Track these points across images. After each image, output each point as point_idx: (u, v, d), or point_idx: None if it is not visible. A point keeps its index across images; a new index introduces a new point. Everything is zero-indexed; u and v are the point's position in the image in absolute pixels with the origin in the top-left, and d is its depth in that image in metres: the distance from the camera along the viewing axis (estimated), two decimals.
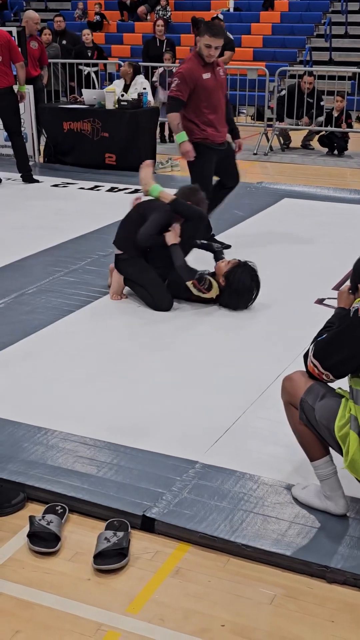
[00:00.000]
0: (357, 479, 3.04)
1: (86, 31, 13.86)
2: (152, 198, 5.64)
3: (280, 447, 3.61)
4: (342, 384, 3.13)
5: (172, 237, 5.39)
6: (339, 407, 3.00)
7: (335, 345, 2.96)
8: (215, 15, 14.24)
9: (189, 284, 5.32)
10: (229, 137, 6.78)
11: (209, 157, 6.58)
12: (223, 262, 5.46)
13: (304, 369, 3.14)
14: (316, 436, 3.08)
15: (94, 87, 12.89)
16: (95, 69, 13.14)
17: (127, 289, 5.62)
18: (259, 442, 3.70)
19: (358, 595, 2.80)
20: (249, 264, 5.41)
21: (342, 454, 3.01)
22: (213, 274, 5.44)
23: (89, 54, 13.55)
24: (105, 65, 13.99)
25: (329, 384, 3.11)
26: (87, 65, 13.17)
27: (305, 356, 3.09)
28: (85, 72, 13.02)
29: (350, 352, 2.91)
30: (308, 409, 3.06)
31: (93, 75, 13.05)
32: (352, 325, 2.91)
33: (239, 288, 5.33)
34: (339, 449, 3.02)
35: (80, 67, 13.09)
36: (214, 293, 5.37)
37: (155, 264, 5.46)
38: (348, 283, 3.22)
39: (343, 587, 2.83)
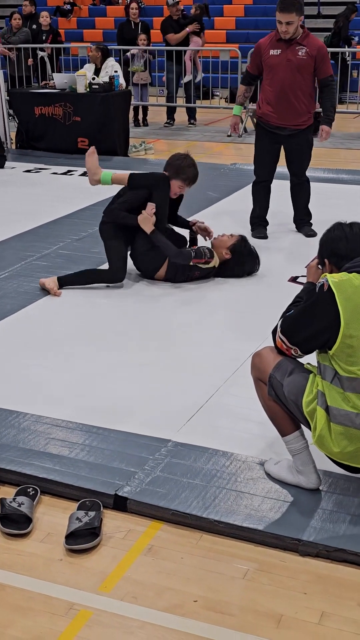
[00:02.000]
0: (326, 454, 3.03)
1: (44, 13, 13.71)
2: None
3: (252, 424, 3.61)
4: (311, 360, 3.12)
5: (145, 221, 5.29)
6: (306, 383, 3.00)
7: (302, 321, 2.95)
8: None
9: (191, 264, 5.37)
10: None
11: (261, 136, 6.51)
12: (224, 235, 5.53)
13: (272, 347, 3.13)
14: (286, 411, 3.08)
15: (48, 72, 12.77)
16: (43, 53, 12.99)
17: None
18: (232, 420, 3.70)
19: (330, 567, 2.80)
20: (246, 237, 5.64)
21: (311, 430, 3.01)
22: (208, 249, 5.47)
23: (44, 37, 13.43)
24: (60, 49, 13.87)
25: (298, 359, 3.11)
26: (42, 49, 13.05)
27: (274, 332, 3.08)
28: (39, 56, 12.91)
29: (317, 327, 2.90)
30: (277, 385, 3.05)
31: (47, 59, 12.91)
32: (317, 300, 2.90)
33: (248, 254, 5.52)
34: (308, 424, 3.02)
35: (37, 51, 12.97)
36: (215, 262, 5.42)
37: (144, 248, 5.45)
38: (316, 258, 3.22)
39: (316, 560, 2.84)
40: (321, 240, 3.11)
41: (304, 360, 3.14)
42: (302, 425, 3.12)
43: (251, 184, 6.89)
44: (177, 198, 5.62)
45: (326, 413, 2.93)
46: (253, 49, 6.41)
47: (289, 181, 6.73)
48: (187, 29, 12.39)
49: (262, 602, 2.65)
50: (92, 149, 5.73)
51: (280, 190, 6.77)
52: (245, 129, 12.04)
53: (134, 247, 5.51)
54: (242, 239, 5.58)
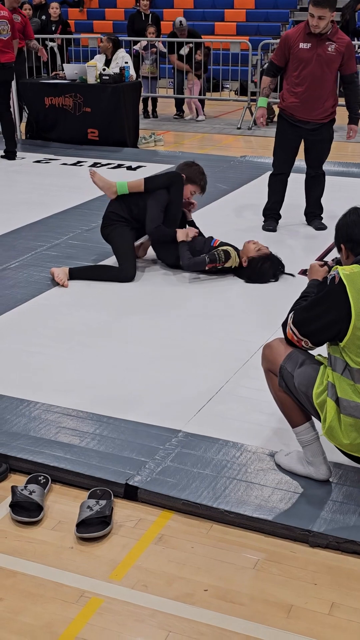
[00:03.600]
0: (335, 446, 3.04)
1: (54, 4, 13.69)
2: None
3: (263, 415, 3.61)
4: (321, 351, 3.13)
5: (182, 234, 5.42)
6: (317, 375, 3.00)
7: (313, 313, 2.95)
8: None
9: (207, 268, 5.37)
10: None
11: (283, 129, 6.46)
12: (254, 244, 5.45)
13: (281, 339, 3.14)
14: (296, 403, 3.09)
15: (58, 62, 12.75)
16: (53, 44, 12.97)
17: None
18: (242, 411, 3.70)
19: (340, 558, 2.81)
20: (277, 258, 5.43)
21: (321, 421, 3.01)
22: (234, 247, 5.46)
23: (53, 28, 13.41)
24: (71, 40, 13.85)
25: (309, 351, 3.11)
26: (52, 40, 13.03)
27: (284, 324, 3.09)
28: (49, 47, 12.89)
29: (328, 319, 2.90)
30: (287, 376, 3.06)
31: (57, 50, 12.89)
32: (329, 293, 2.90)
33: (257, 278, 5.36)
34: (318, 415, 3.02)
35: (46, 42, 12.96)
36: (232, 262, 5.39)
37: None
38: (330, 256, 3.21)
39: (325, 551, 2.84)
40: (337, 225, 3.09)
41: (315, 352, 3.15)
42: (313, 417, 3.13)
43: (261, 176, 6.89)
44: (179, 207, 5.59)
45: (336, 405, 2.93)
46: (282, 41, 6.28)
47: (304, 174, 6.70)
48: (189, 69, 12.34)
49: (272, 592, 2.66)
50: (92, 171, 5.75)
51: (294, 183, 6.75)
52: (255, 122, 11.99)
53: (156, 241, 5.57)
54: (264, 259, 5.38)
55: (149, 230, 5.46)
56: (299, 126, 6.35)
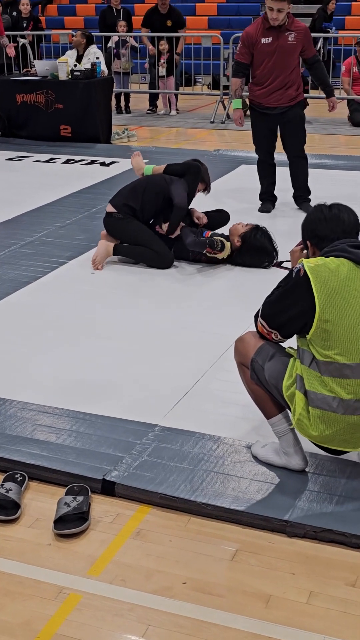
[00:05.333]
0: (307, 438, 3.05)
1: (24, 1, 13.60)
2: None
3: (239, 408, 3.62)
4: (293, 343, 3.14)
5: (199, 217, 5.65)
6: (286, 368, 3.03)
7: (279, 306, 2.98)
8: None
9: (205, 252, 5.44)
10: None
11: (255, 118, 6.68)
12: (239, 224, 5.60)
13: (255, 332, 3.16)
14: (269, 395, 3.11)
15: (29, 59, 12.67)
16: (24, 40, 12.88)
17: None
18: (219, 403, 3.71)
19: (317, 547, 2.82)
20: (264, 228, 5.58)
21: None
22: (225, 237, 5.56)
23: (24, 25, 13.32)
24: (42, 36, 13.75)
25: (281, 343, 3.13)
26: (23, 36, 12.95)
27: (256, 316, 3.10)
28: (20, 44, 12.80)
29: (293, 312, 2.93)
30: (258, 369, 3.09)
31: (28, 46, 12.80)
32: (294, 285, 2.93)
33: (256, 246, 5.48)
34: (289, 407, 3.04)
35: (17, 38, 12.86)
36: (225, 253, 5.48)
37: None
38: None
39: (303, 540, 2.86)
40: (302, 224, 3.13)
41: (286, 344, 3.17)
42: (286, 408, 3.14)
43: (236, 169, 6.97)
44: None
45: (305, 397, 2.96)
46: (241, 39, 6.51)
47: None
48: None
49: (250, 583, 2.67)
50: (138, 152, 6.11)
51: (251, 174, 6.88)
52: (228, 115, 12.00)
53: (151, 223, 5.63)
54: (254, 229, 5.53)
55: (177, 202, 5.50)
56: (267, 113, 6.59)
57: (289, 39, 6.34)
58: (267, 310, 3.03)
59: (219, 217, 5.89)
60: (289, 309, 2.94)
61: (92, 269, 5.46)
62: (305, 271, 2.88)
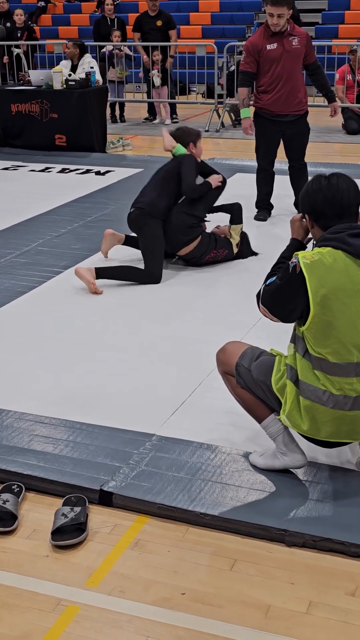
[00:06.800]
0: (297, 430, 3.06)
1: (19, 11, 13.66)
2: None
3: (236, 417, 3.60)
4: (276, 347, 3.21)
5: (215, 180, 5.69)
6: (274, 364, 3.08)
7: (278, 298, 2.98)
8: None
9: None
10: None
11: (263, 126, 6.68)
12: (218, 227, 5.86)
13: (235, 341, 3.28)
14: (257, 398, 3.14)
15: (24, 68, 12.69)
16: (18, 50, 12.91)
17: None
18: (215, 413, 3.70)
19: (317, 557, 2.81)
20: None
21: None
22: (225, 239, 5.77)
23: (19, 35, 13.35)
24: (36, 46, 13.79)
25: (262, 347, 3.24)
26: (17, 47, 12.97)
27: (257, 298, 3.10)
28: (15, 53, 12.83)
29: (291, 306, 2.94)
30: (244, 372, 3.12)
31: (22, 56, 12.83)
32: (291, 280, 2.92)
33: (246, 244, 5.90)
34: (279, 404, 3.06)
35: (12, 48, 12.90)
36: (235, 240, 5.80)
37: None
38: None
39: (302, 550, 2.84)
40: (301, 195, 3.07)
41: (266, 344, 3.27)
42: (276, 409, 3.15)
43: (230, 178, 6.96)
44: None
45: (295, 387, 2.98)
46: (245, 49, 6.56)
47: (254, 174, 7.00)
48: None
49: (249, 593, 2.65)
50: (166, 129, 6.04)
51: (246, 182, 6.89)
52: (222, 124, 12.04)
53: (170, 220, 5.57)
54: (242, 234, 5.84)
55: (185, 191, 5.53)
56: (278, 120, 6.62)
57: (293, 43, 6.42)
58: (266, 301, 3.03)
59: (230, 208, 5.88)
60: (286, 304, 2.95)
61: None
62: (301, 269, 2.87)
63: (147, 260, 5.47)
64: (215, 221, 6.01)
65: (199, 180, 5.67)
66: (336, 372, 2.91)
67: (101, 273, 5.34)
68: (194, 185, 5.55)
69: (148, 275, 5.41)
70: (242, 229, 5.83)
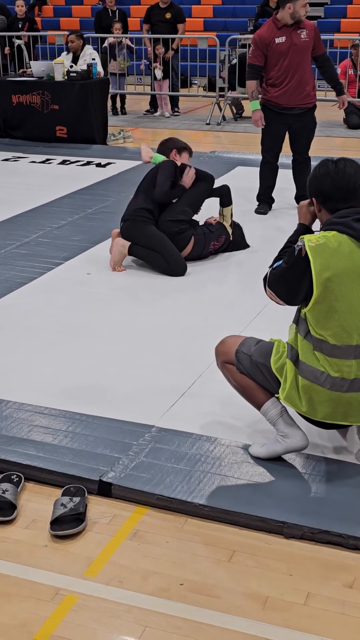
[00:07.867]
0: (295, 410, 3.09)
1: (19, 2, 13.60)
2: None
3: (236, 409, 3.60)
4: (274, 335, 3.24)
5: (188, 178, 5.64)
6: (273, 347, 3.14)
7: (283, 281, 3.00)
8: None
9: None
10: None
11: (270, 118, 6.64)
12: (212, 218, 5.83)
13: (234, 335, 3.33)
14: (256, 383, 3.17)
15: (25, 60, 12.66)
16: (19, 41, 12.87)
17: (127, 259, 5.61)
18: (215, 405, 3.70)
19: (315, 549, 2.82)
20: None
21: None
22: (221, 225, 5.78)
23: (20, 26, 13.31)
24: (37, 37, 13.76)
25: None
26: (18, 38, 12.94)
27: (265, 280, 3.13)
28: (16, 45, 12.79)
29: (296, 289, 2.96)
30: (243, 358, 3.17)
31: (23, 47, 12.80)
32: (295, 264, 2.94)
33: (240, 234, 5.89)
34: (277, 386, 3.10)
35: (13, 39, 12.86)
36: (227, 222, 5.79)
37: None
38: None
39: (300, 542, 2.85)
40: (308, 179, 3.10)
41: (267, 336, 3.29)
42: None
43: (231, 171, 6.96)
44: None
45: (295, 367, 3.02)
46: (253, 42, 6.56)
47: (255, 167, 7.00)
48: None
49: (248, 584, 2.66)
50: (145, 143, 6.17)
51: (247, 175, 6.87)
52: (224, 117, 12.01)
53: (160, 228, 5.53)
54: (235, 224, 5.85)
55: (155, 197, 5.51)
56: (285, 113, 6.61)
57: (302, 36, 6.42)
58: (273, 284, 3.05)
59: (220, 191, 5.86)
60: (293, 285, 2.97)
61: (88, 273, 5.42)
62: (306, 252, 2.89)
63: (166, 257, 5.41)
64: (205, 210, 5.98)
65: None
66: (336, 354, 2.94)
67: (134, 251, 5.44)
68: (166, 190, 5.49)
69: (172, 271, 5.38)
70: (232, 209, 5.80)
